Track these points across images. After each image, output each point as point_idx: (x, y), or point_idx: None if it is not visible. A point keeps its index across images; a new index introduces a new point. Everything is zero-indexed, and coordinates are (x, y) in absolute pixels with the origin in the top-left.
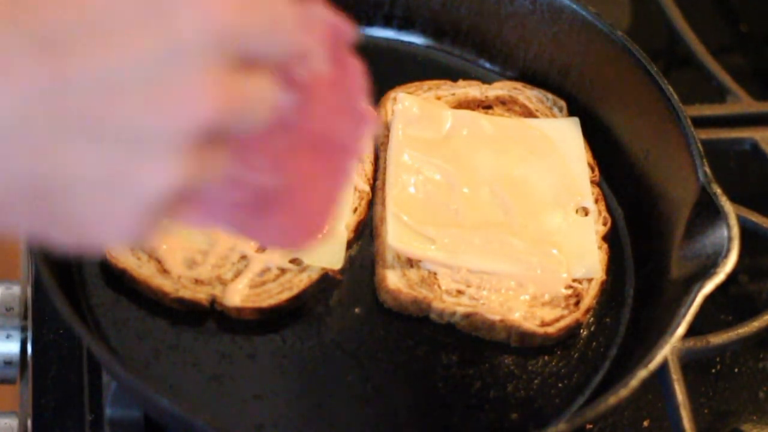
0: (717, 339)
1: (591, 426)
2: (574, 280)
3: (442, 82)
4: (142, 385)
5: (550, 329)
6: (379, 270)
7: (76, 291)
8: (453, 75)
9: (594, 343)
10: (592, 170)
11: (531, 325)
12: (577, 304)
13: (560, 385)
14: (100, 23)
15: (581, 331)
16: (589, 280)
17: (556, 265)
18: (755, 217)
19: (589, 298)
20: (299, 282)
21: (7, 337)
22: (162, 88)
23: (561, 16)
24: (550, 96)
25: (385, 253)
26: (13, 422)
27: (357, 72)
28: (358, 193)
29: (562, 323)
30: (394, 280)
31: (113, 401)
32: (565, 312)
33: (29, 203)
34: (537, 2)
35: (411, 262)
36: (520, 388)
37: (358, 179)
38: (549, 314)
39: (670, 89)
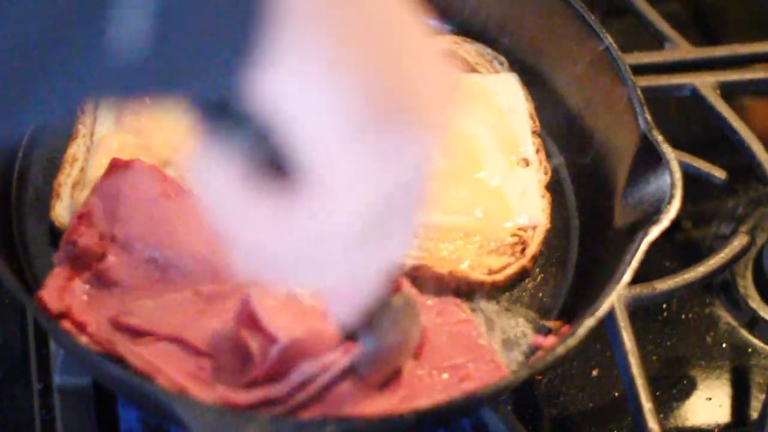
0: (663, 285)
1: (540, 377)
2: (519, 228)
3: None
4: (91, 353)
5: (498, 277)
6: None
7: (18, 258)
8: None
9: (540, 293)
10: (533, 121)
11: (479, 275)
12: (523, 251)
13: None
14: None
15: (527, 282)
16: (534, 228)
17: (500, 213)
18: (697, 163)
19: (534, 245)
20: None
21: None
22: None
23: None
24: (489, 50)
25: None
26: None
27: None
28: None
29: (509, 271)
30: None
31: (62, 369)
32: (512, 259)
33: None
34: None
35: None
36: None
37: None
38: (496, 262)
39: (608, 38)
